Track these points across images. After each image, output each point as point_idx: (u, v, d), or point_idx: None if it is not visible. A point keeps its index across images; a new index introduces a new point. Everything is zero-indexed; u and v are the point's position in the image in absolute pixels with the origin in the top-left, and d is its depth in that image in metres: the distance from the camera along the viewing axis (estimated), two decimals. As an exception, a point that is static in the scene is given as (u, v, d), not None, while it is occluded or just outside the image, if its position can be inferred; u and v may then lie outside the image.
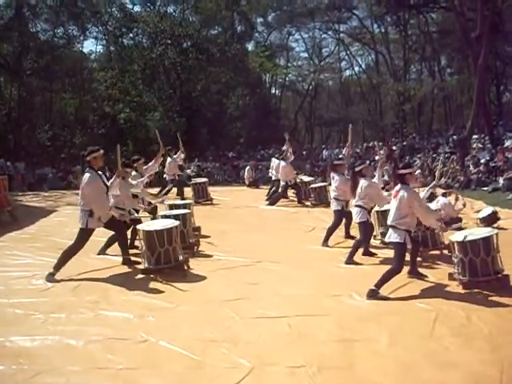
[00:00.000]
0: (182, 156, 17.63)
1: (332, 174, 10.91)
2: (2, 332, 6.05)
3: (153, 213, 11.21)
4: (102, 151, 8.55)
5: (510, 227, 11.34)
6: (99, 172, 8.49)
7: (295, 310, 6.68)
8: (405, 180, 7.46)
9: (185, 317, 6.60)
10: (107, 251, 9.78)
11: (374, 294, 7.09)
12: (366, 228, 9.49)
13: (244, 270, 8.84)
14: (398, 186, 7.46)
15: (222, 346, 5.60)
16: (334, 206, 10.67)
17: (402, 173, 7.51)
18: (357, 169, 9.69)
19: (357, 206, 9.52)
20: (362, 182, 9.48)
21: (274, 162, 18.20)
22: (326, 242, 10.47)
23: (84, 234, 8.40)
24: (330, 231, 10.55)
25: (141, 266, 8.67)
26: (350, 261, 9.15)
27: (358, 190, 9.45)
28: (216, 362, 5.23)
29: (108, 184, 8.53)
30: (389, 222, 7.51)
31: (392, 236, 7.37)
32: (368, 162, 12.52)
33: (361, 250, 9.46)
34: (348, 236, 10.93)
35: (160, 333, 5.97)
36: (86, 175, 8.29)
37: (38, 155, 30.45)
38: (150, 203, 11.32)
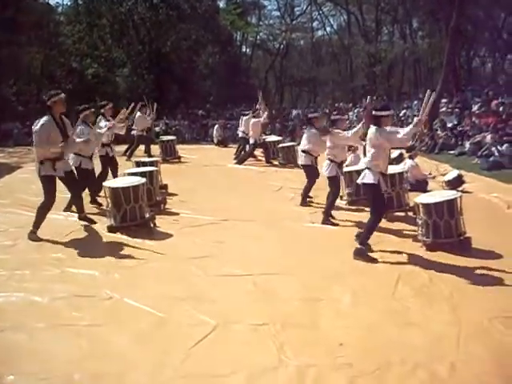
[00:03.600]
0: (150, 118, 17.37)
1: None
2: (-35, 288, 6.00)
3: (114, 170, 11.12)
4: (62, 95, 8.16)
5: (475, 191, 11.54)
6: (60, 118, 8.10)
7: (260, 268, 6.73)
8: (380, 123, 7.06)
9: (150, 274, 6.61)
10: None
11: (360, 253, 7.09)
12: (336, 182, 9.39)
13: (211, 228, 8.85)
14: (371, 128, 7.16)
15: (186, 303, 5.63)
16: (302, 160, 10.45)
17: (378, 114, 7.11)
18: (332, 118, 9.67)
19: (328, 159, 9.38)
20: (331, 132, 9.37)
21: (243, 119, 18.10)
22: (304, 201, 10.48)
23: (44, 183, 8.09)
24: (307, 190, 10.54)
25: (106, 224, 8.60)
26: (326, 221, 9.12)
27: (328, 142, 9.38)
28: (180, 319, 5.26)
29: (68, 133, 8.24)
30: (364, 162, 7.35)
31: (366, 177, 7.19)
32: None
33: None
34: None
35: (125, 290, 5.98)
36: (41, 120, 7.94)
37: (2, 110, 29.73)
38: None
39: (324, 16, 47.37)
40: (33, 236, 8.02)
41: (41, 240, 7.94)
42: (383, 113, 7.14)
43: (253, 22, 46.10)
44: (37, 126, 7.93)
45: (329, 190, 9.42)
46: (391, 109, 7.82)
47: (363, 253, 7.12)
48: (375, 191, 7.20)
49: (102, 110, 11.24)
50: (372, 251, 7.28)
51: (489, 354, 4.54)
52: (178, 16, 32.38)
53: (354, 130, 8.89)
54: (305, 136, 10.35)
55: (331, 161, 9.32)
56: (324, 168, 9.45)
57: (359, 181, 7.46)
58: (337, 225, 9.09)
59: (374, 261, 7.01)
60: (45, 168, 8.02)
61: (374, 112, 7.20)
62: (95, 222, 8.94)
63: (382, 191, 7.25)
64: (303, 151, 10.27)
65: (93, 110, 10.32)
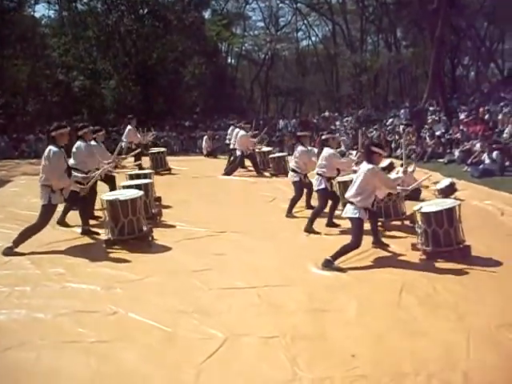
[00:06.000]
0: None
1: (296, 145, 10.86)
2: (-35, 306, 5.90)
3: (110, 184, 10.95)
4: (68, 128, 8.25)
5: (467, 198, 11.58)
6: (62, 148, 8.11)
7: (263, 280, 6.71)
8: (371, 158, 7.39)
9: (152, 288, 6.55)
10: (66, 221, 9.58)
11: (328, 265, 7.12)
12: (324, 195, 9.51)
13: (209, 241, 8.82)
14: (363, 163, 7.50)
15: (192, 317, 5.60)
16: (292, 177, 10.67)
17: (372, 150, 7.45)
18: (323, 137, 9.79)
19: (317, 174, 9.57)
20: (325, 151, 9.51)
21: (232, 130, 18.05)
22: (290, 213, 10.51)
23: (47, 211, 8.06)
24: (293, 202, 10.59)
25: (104, 237, 8.53)
26: (309, 229, 9.23)
27: (320, 159, 9.54)
28: (188, 333, 5.22)
29: (68, 162, 8.31)
30: (346, 196, 7.53)
31: (348, 211, 7.36)
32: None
33: (324, 221, 9.53)
34: (309, 207, 10.93)
35: (129, 305, 5.92)
36: (50, 150, 7.91)
37: (-13, 123, 29.50)
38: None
39: (309, 26, 47.65)
40: (8, 251, 7.84)
41: (15, 255, 7.77)
42: (377, 150, 7.50)
43: (238, 32, 46.19)
44: (50, 156, 7.90)
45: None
46: (385, 150, 8.21)
47: (330, 264, 7.12)
48: (357, 222, 7.32)
49: (95, 136, 11.09)
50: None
51: (500, 362, 4.55)
52: (164, 27, 32.37)
53: (349, 158, 9.73)
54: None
55: (320, 175, 9.45)
56: (314, 182, 9.67)
57: (343, 214, 7.62)
58: (319, 233, 9.18)
59: (342, 270, 7.04)
60: (55, 198, 8.04)
61: (370, 147, 7.54)
62: (98, 234, 8.93)
63: (365, 221, 7.41)
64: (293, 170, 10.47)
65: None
